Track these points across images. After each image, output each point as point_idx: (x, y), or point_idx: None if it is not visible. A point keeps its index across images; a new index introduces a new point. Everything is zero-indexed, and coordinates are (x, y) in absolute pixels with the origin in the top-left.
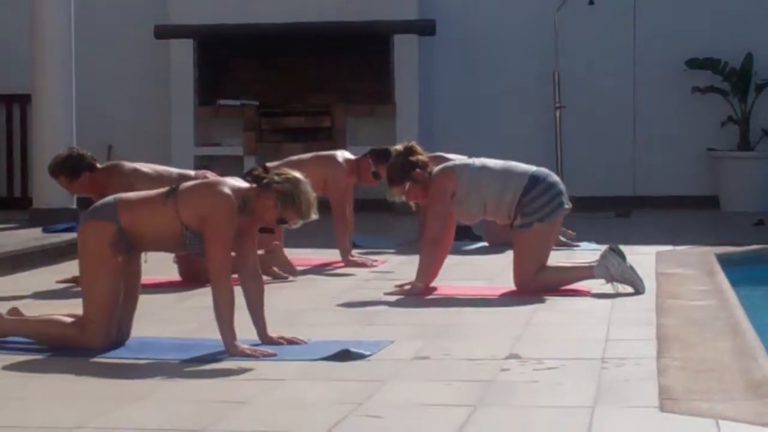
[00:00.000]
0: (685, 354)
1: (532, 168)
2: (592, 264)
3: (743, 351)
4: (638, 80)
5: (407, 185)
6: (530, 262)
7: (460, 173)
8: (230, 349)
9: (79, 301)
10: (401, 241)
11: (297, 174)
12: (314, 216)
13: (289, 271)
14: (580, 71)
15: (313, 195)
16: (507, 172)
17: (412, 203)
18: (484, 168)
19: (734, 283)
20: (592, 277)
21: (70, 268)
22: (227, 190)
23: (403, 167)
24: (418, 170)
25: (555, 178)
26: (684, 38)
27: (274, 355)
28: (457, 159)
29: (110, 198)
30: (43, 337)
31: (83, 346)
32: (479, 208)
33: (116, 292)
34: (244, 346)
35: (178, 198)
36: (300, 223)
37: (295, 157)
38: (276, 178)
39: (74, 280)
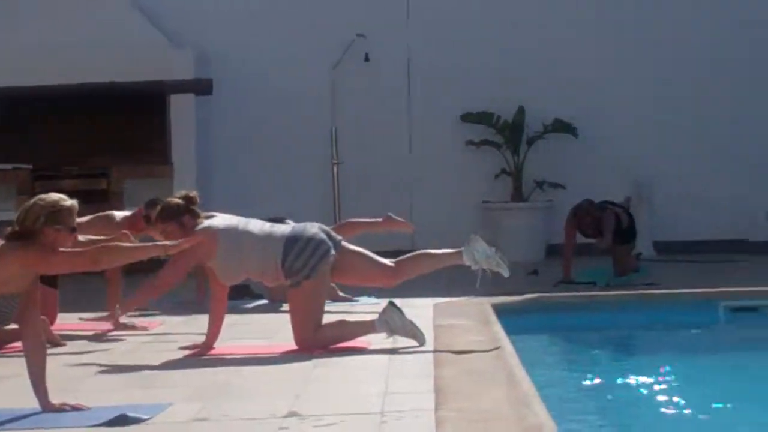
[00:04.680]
0: (463, 404)
1: (288, 228)
2: (373, 319)
3: (518, 399)
4: (414, 134)
5: (172, 227)
6: (306, 319)
7: (222, 236)
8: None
9: None
10: (170, 304)
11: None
12: (68, 200)
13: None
14: (357, 127)
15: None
16: (267, 237)
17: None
18: (246, 233)
19: (510, 332)
20: (374, 331)
21: None
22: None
23: (179, 208)
24: (188, 217)
25: (313, 230)
26: (459, 92)
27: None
28: (223, 219)
29: None
30: None
31: None
32: (239, 271)
33: None
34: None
35: None
36: (73, 214)
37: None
38: (22, 223)
39: None
